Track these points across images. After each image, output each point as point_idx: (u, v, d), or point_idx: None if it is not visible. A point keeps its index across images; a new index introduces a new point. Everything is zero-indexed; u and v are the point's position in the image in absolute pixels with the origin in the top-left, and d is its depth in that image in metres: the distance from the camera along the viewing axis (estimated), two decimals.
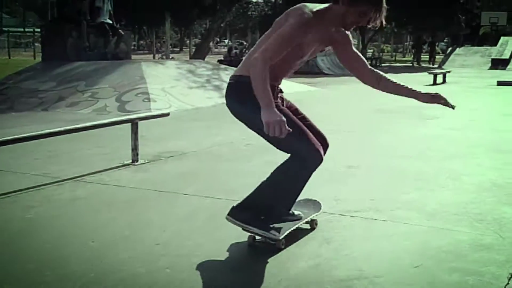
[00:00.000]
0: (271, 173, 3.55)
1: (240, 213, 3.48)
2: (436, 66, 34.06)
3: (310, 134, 3.49)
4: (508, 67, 29.49)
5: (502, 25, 48.10)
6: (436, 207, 4.39)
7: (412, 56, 52.11)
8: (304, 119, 3.68)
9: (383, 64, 36.02)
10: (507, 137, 7.70)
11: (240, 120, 3.57)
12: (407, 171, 5.54)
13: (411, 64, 38.12)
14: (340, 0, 3.22)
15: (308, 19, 3.20)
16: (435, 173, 5.51)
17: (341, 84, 18.02)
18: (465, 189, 4.94)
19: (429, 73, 18.93)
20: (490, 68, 29.31)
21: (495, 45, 33.83)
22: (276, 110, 3.05)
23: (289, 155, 3.51)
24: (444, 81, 18.56)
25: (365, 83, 3.64)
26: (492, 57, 31.27)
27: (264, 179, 3.56)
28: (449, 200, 4.57)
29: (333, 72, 24.49)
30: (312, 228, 3.80)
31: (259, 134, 3.38)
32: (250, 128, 3.52)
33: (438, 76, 18.41)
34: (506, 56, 30.97)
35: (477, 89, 16.44)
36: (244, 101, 3.34)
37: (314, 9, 3.26)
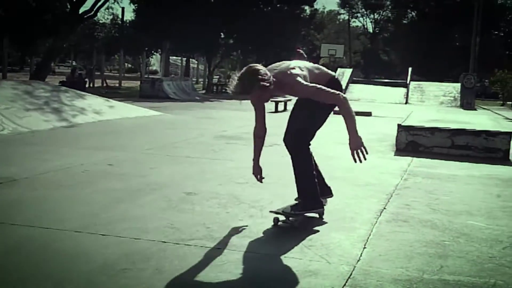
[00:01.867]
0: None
1: None
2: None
3: None
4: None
5: (339, 57, 51.23)
6: (269, 233, 4.51)
7: None
8: None
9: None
10: (338, 165, 8.12)
11: None
12: (243, 198, 5.64)
13: None
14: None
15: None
16: (270, 199, 5.66)
17: (187, 109, 18.13)
18: None
19: (271, 101, 19.60)
20: None
21: None
22: None
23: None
24: (285, 109, 19.29)
25: None
26: None
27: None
28: (283, 227, 4.72)
29: (179, 97, 24.60)
30: None
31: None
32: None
33: (279, 103, 19.13)
34: (342, 87, 32.92)
35: None
36: None
37: None
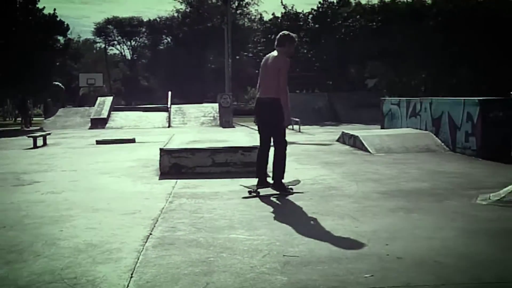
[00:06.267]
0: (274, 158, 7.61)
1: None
2: (37, 128, 33.62)
3: None
4: (107, 125, 30.96)
5: (99, 86, 50.60)
6: (30, 278, 4.26)
7: (13, 119, 50.65)
8: None
9: None
10: (102, 196, 7.98)
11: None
12: (1, 244, 5.26)
13: (20, 128, 36.56)
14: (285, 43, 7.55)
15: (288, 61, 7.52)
16: (31, 241, 5.35)
17: None
18: (61, 254, 4.92)
19: (29, 137, 18.60)
20: (90, 128, 30.31)
21: (94, 105, 35.26)
22: None
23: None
24: (45, 144, 18.44)
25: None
26: (91, 117, 32.45)
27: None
28: (45, 269, 4.49)
29: None
30: None
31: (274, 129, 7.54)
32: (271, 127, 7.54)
33: (38, 139, 18.20)
34: (104, 115, 32.50)
35: (78, 149, 16.76)
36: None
37: (281, 54, 7.51)
